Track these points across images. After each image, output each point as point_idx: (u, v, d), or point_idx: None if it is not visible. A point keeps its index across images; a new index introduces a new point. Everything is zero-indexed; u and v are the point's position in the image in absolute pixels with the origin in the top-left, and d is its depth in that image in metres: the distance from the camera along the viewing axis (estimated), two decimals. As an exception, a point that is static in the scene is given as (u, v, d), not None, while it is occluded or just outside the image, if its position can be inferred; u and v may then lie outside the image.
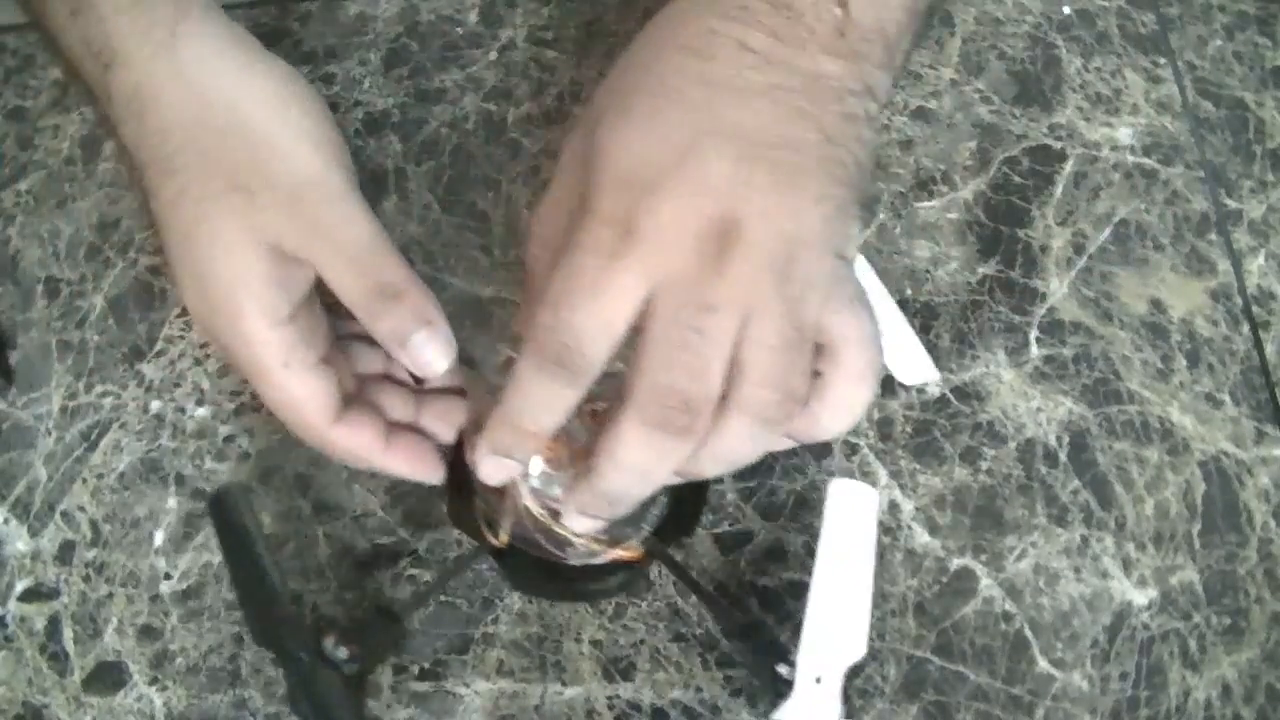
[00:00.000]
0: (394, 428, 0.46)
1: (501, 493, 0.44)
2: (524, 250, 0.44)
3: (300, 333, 0.44)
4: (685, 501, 0.46)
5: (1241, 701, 0.46)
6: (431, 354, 0.44)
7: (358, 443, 0.45)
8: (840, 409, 0.41)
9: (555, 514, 0.44)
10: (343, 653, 0.42)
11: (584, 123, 0.41)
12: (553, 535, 0.44)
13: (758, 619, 0.43)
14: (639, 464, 0.39)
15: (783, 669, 0.41)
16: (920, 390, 0.51)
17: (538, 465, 0.44)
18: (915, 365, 0.50)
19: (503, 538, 0.45)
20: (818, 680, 0.41)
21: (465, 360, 0.47)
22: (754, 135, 0.38)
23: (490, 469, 0.41)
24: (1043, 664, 0.46)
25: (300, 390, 0.44)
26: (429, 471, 0.46)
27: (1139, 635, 0.47)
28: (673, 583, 0.48)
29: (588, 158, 0.40)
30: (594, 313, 0.38)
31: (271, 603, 0.42)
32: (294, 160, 0.44)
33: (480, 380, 0.49)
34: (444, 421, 0.48)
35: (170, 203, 0.44)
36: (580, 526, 0.42)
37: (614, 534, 0.45)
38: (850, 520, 0.42)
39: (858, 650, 0.41)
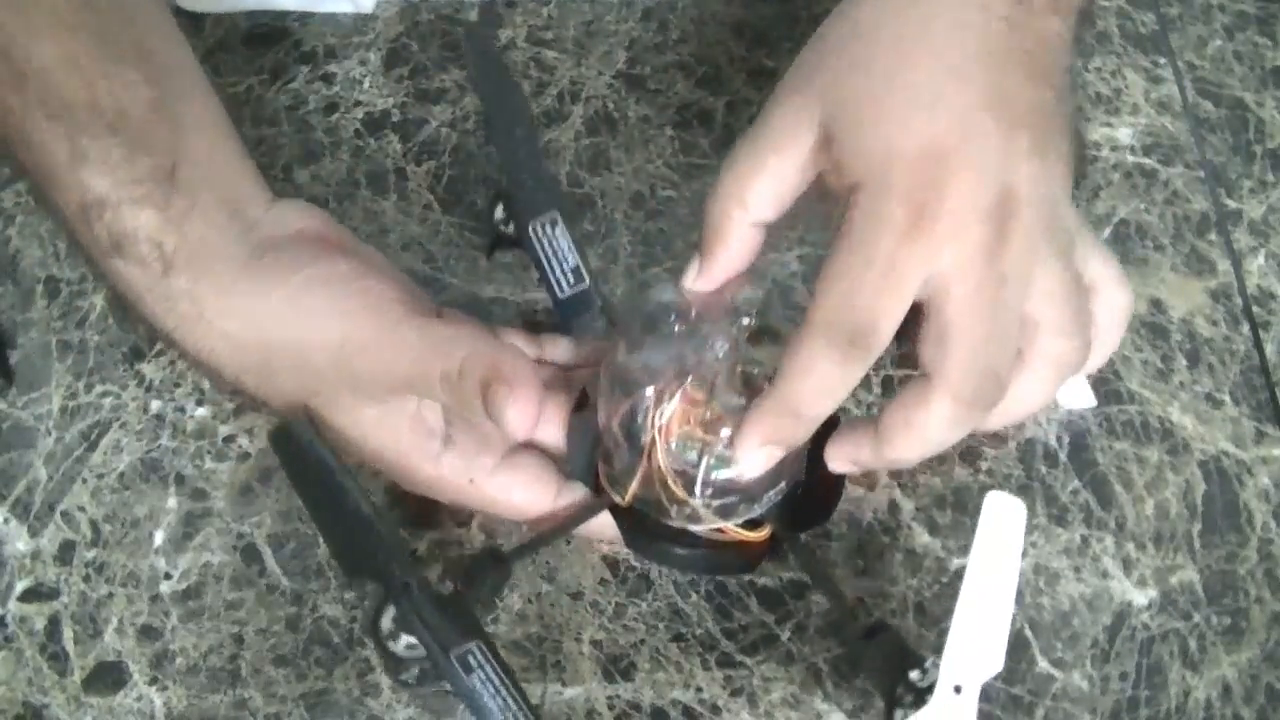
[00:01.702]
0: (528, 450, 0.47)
1: (633, 451, 0.44)
2: (709, 204, 0.43)
3: (466, 447, 0.45)
4: (821, 486, 0.46)
5: (1241, 701, 0.46)
6: (511, 414, 0.42)
7: (575, 500, 0.46)
8: (1108, 341, 0.46)
9: (689, 482, 0.43)
10: (447, 587, 0.41)
11: (812, 92, 0.41)
12: (682, 504, 0.44)
13: (881, 621, 0.43)
14: (944, 439, 0.41)
15: (915, 675, 0.40)
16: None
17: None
18: (1075, 389, 0.51)
19: (627, 497, 0.45)
20: (957, 690, 0.40)
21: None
22: (1015, 103, 0.40)
23: (758, 460, 0.42)
24: (1043, 664, 0.46)
25: (497, 493, 0.46)
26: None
27: (1139, 635, 0.47)
28: (673, 583, 0.48)
29: (841, 130, 0.40)
30: (889, 292, 0.39)
31: (368, 527, 0.41)
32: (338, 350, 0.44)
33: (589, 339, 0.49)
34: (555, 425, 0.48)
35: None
36: (754, 467, 0.42)
37: (730, 507, 0.44)
38: (1001, 533, 0.41)
39: (996, 663, 0.40)
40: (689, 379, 0.43)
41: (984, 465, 0.50)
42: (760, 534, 0.45)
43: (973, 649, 0.40)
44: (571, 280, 0.48)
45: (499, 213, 0.48)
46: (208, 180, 0.45)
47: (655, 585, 0.48)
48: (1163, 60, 0.59)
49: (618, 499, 0.45)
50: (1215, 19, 0.61)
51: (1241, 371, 0.52)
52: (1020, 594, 0.47)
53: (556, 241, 0.48)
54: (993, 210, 0.39)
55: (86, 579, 0.48)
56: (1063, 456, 0.50)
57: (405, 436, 0.45)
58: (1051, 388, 0.43)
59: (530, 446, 0.47)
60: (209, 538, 0.49)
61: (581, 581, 0.48)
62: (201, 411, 0.52)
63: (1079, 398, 0.51)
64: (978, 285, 0.39)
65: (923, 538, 0.49)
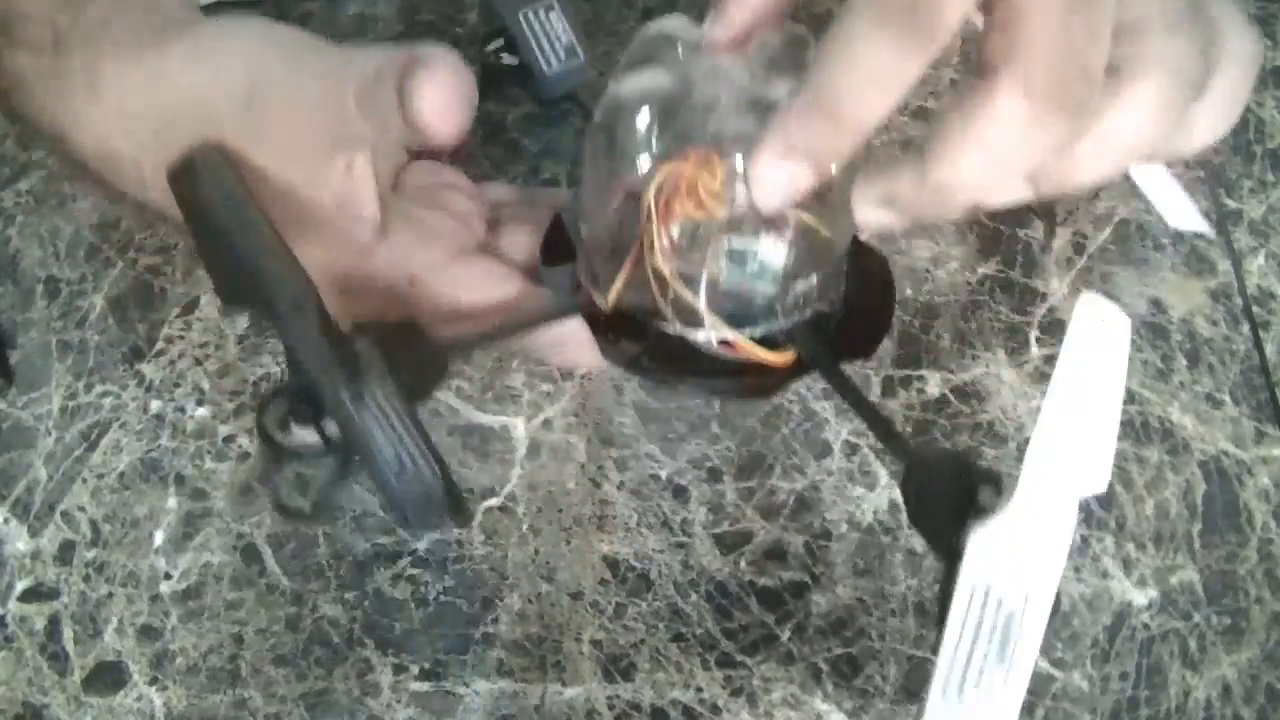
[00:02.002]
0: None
1: (622, 240, 0.36)
2: None
3: (406, 243, 0.40)
4: (864, 313, 0.38)
5: (1241, 701, 0.46)
6: (429, 95, 0.34)
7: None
8: (1223, 101, 0.35)
9: (691, 278, 0.35)
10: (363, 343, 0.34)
11: None
12: (686, 312, 0.36)
13: (935, 442, 0.36)
14: (1009, 147, 0.31)
15: (986, 494, 0.32)
16: (920, 390, 0.51)
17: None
18: (1184, 209, 0.43)
19: (611, 298, 0.37)
20: (1045, 496, 0.31)
21: None
22: None
23: (778, 182, 0.32)
24: (1043, 664, 0.46)
25: (443, 293, 0.39)
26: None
27: (1139, 635, 0.47)
28: (673, 583, 0.48)
29: None
30: None
31: (268, 251, 0.34)
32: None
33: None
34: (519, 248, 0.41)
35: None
36: (771, 191, 0.32)
37: (742, 315, 0.36)
38: (1098, 344, 0.33)
39: (1099, 481, 0.32)
40: (683, 123, 0.35)
41: (983, 465, 0.50)
42: (781, 356, 0.37)
43: (1062, 457, 0.32)
44: (563, 56, 0.44)
45: (493, 44, 0.43)
46: None
47: (655, 585, 0.48)
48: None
49: (600, 301, 0.37)
50: (1215, 19, 0.61)
51: (1241, 371, 0.52)
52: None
53: (550, 25, 0.44)
54: None
55: (86, 579, 0.48)
56: (1063, 456, 0.50)
57: (328, 220, 0.39)
58: (1168, 109, 0.33)
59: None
60: (209, 538, 0.49)
61: (581, 581, 0.48)
62: (201, 411, 0.52)
63: (1192, 220, 0.42)
64: None
65: (923, 538, 0.49)
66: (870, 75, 0.30)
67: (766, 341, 0.37)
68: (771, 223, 0.36)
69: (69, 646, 0.47)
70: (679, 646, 0.47)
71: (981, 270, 0.54)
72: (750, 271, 0.36)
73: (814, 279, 0.37)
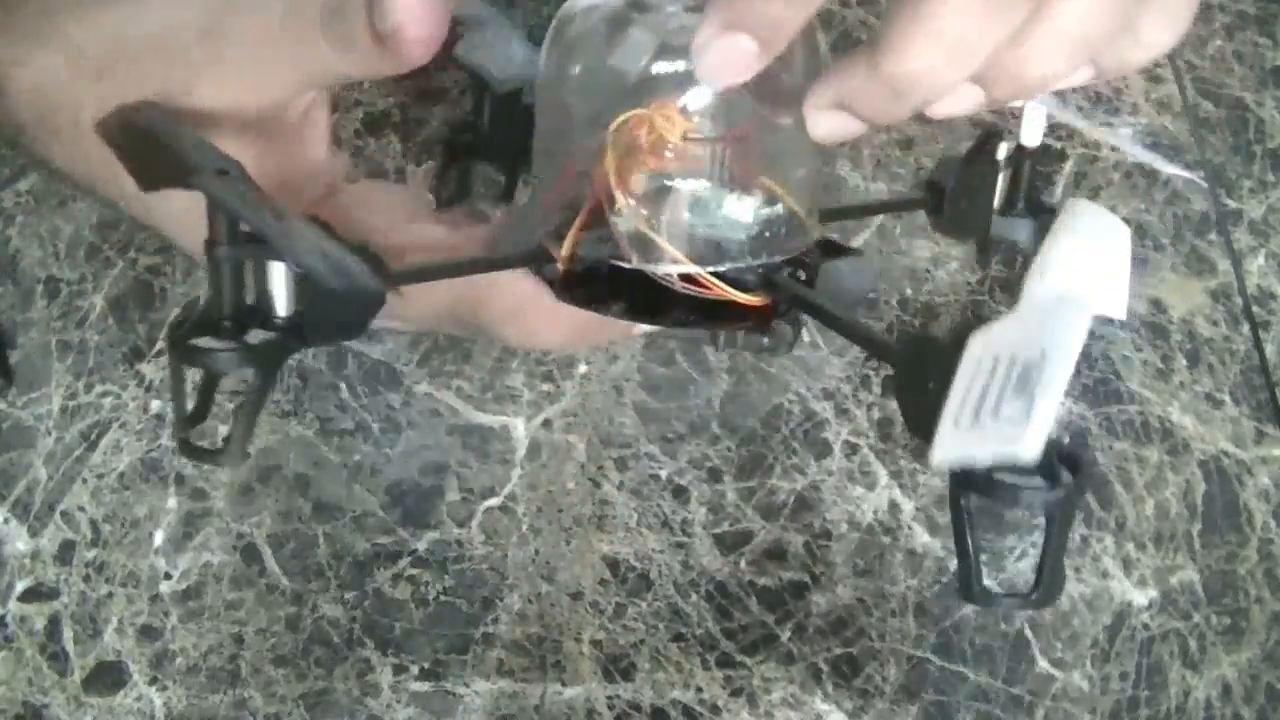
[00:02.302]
0: None
1: (579, 202, 0.35)
2: None
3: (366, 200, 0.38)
4: (850, 269, 0.37)
5: (1241, 701, 0.46)
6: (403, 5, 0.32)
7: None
8: (1171, 5, 0.33)
9: (654, 213, 0.34)
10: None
11: None
12: (650, 252, 0.34)
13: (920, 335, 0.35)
14: (962, 31, 0.29)
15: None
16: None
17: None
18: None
19: (566, 247, 0.35)
20: (1058, 298, 0.28)
21: None
22: None
23: (722, 52, 0.30)
24: (1043, 664, 0.46)
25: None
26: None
27: (1139, 635, 0.47)
28: (673, 583, 0.48)
29: None
30: None
31: (169, 132, 0.32)
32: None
33: None
34: None
35: None
36: (714, 63, 0.30)
37: (709, 248, 0.35)
38: (1098, 226, 0.30)
39: (1118, 306, 0.30)
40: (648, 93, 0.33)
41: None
42: (753, 298, 0.36)
43: (1079, 264, 0.29)
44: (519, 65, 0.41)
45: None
46: None
47: (655, 585, 0.48)
48: (1162, 60, 0.59)
49: (555, 252, 0.35)
50: (1215, 19, 0.61)
51: (1241, 371, 0.52)
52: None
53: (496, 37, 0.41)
54: None
55: (86, 579, 0.48)
56: (1063, 456, 0.50)
57: (278, 169, 0.37)
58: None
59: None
60: (209, 538, 0.49)
61: (581, 581, 0.48)
62: (201, 411, 0.52)
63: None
64: None
65: (923, 538, 0.49)
66: None
67: (736, 285, 0.35)
68: (733, 167, 0.35)
69: (69, 646, 0.47)
70: (679, 646, 0.47)
71: (981, 270, 0.54)
72: (714, 216, 0.35)
73: (781, 219, 0.36)
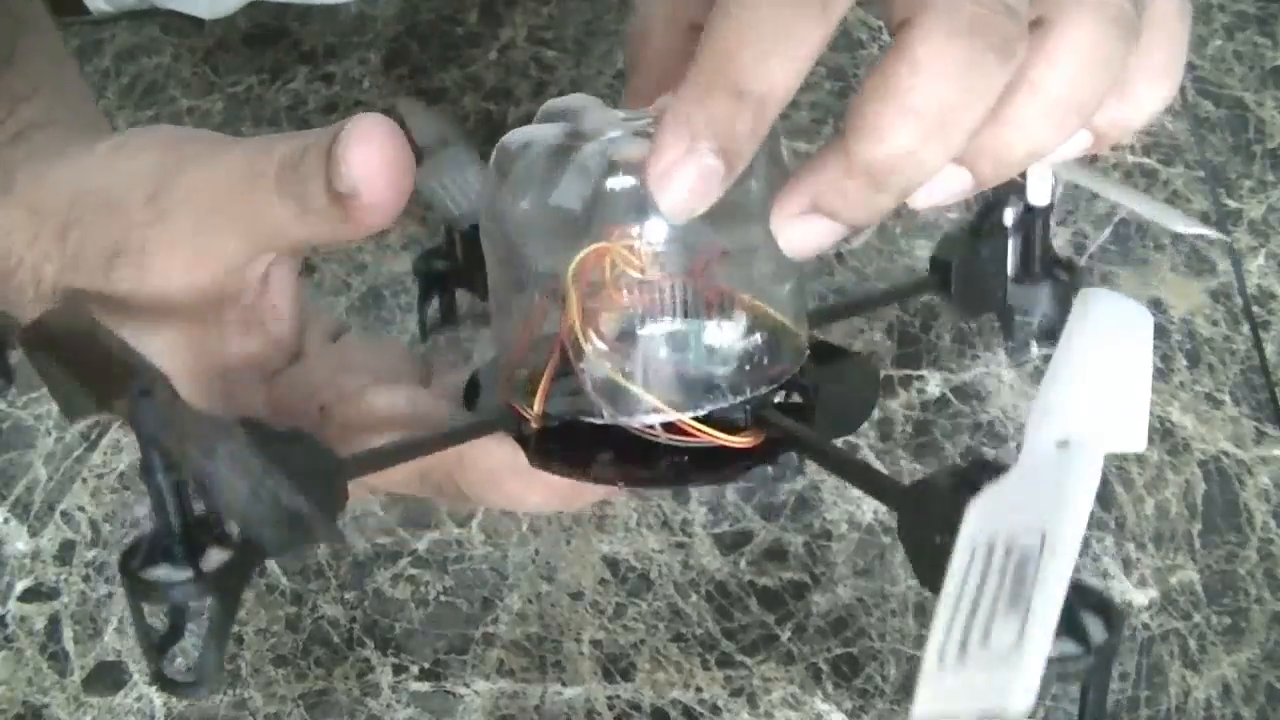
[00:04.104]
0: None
1: (539, 355, 0.32)
2: (636, 11, 0.33)
3: (322, 364, 0.37)
4: (843, 385, 0.35)
5: (1241, 701, 0.46)
6: (357, 157, 0.31)
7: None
8: (1161, 62, 0.31)
9: (622, 360, 0.31)
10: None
11: None
12: (626, 403, 0.32)
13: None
14: (941, 100, 0.26)
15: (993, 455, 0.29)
16: (920, 390, 0.51)
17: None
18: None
19: (537, 405, 0.32)
20: (1062, 444, 0.25)
21: None
22: None
23: (684, 180, 0.27)
24: (1043, 664, 0.46)
25: (354, 420, 0.34)
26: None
27: (1139, 635, 0.47)
28: (673, 583, 0.48)
29: None
30: None
31: (87, 344, 0.29)
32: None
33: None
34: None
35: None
36: (677, 193, 0.27)
37: (692, 401, 0.32)
38: (1112, 335, 0.27)
39: (1137, 438, 0.26)
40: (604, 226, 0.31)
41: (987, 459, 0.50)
42: (742, 438, 0.33)
43: (1087, 397, 0.26)
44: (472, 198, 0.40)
45: None
46: (55, 87, 0.40)
47: (655, 585, 0.48)
48: (1163, 60, 0.59)
49: (526, 412, 0.33)
50: (1215, 19, 0.61)
51: (1241, 371, 0.52)
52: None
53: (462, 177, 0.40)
54: None
55: (86, 579, 0.48)
56: (1063, 456, 0.50)
57: (236, 335, 0.36)
58: (1104, 57, 0.29)
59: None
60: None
61: (581, 581, 0.48)
62: (201, 411, 0.52)
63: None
64: None
65: (923, 538, 0.49)
66: (768, 43, 0.26)
67: (724, 425, 0.33)
68: (707, 293, 0.32)
69: (69, 646, 0.47)
70: (679, 646, 0.47)
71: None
72: (695, 350, 0.32)
73: (769, 341, 0.33)
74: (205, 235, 0.34)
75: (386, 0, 0.61)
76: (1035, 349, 0.52)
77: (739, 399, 0.33)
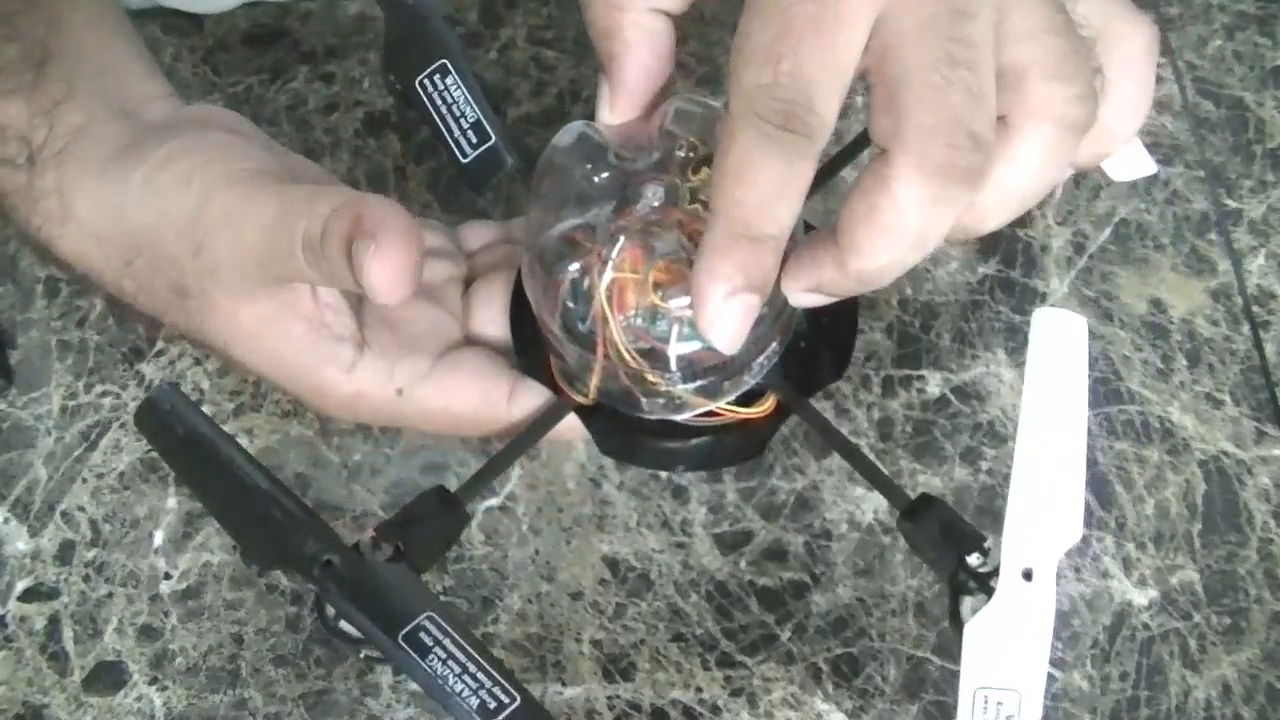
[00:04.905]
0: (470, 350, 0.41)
1: (584, 339, 0.37)
2: (588, 3, 0.37)
3: (387, 349, 0.40)
4: (828, 333, 0.40)
5: (1241, 701, 0.46)
6: (374, 274, 0.34)
7: (532, 404, 0.39)
8: (1130, 99, 0.36)
9: (660, 367, 0.36)
10: (384, 553, 0.35)
11: None
12: (656, 393, 0.37)
13: (926, 494, 0.36)
14: (920, 230, 0.31)
15: (974, 559, 0.34)
16: (920, 390, 0.51)
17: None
18: (1127, 158, 0.42)
19: (591, 395, 0.38)
20: (1027, 576, 0.32)
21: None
22: None
23: (733, 322, 0.32)
24: (1043, 664, 0.46)
25: (433, 402, 0.40)
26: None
27: (1139, 635, 0.47)
28: (673, 583, 0.48)
29: None
30: (822, 56, 0.31)
31: (268, 503, 0.33)
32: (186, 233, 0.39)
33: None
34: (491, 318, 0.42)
35: (178, 315, 0.41)
36: (731, 332, 0.33)
37: (715, 385, 0.37)
38: (1059, 360, 0.33)
39: (1073, 532, 0.33)
40: (621, 238, 0.35)
41: (984, 465, 0.50)
42: (763, 407, 0.38)
43: (1040, 520, 0.32)
44: (474, 139, 0.40)
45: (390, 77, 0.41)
46: (87, 72, 0.42)
47: (655, 585, 0.48)
48: (1163, 60, 0.59)
49: (580, 399, 0.38)
50: (1215, 19, 0.61)
51: (1241, 371, 0.52)
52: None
53: (449, 94, 0.40)
54: None
55: (86, 579, 0.48)
56: (1063, 456, 0.50)
57: (304, 341, 0.39)
58: (1059, 156, 0.33)
59: (475, 344, 0.42)
60: (209, 537, 0.49)
61: (581, 581, 0.48)
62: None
63: (1134, 166, 0.42)
64: (928, 19, 0.31)
65: (923, 538, 0.49)
66: (770, 190, 0.31)
67: (744, 397, 0.38)
68: None
69: (69, 646, 0.47)
70: (679, 646, 0.47)
71: (981, 270, 0.54)
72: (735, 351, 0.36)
73: (775, 328, 0.37)
74: (252, 281, 0.38)
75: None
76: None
77: (759, 374, 0.37)
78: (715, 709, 0.45)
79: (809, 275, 0.34)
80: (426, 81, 0.39)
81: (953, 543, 0.34)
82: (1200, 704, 0.45)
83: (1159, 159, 0.57)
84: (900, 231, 0.31)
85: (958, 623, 0.33)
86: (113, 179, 0.39)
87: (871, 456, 0.50)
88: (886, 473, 0.39)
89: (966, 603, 0.33)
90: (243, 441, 0.51)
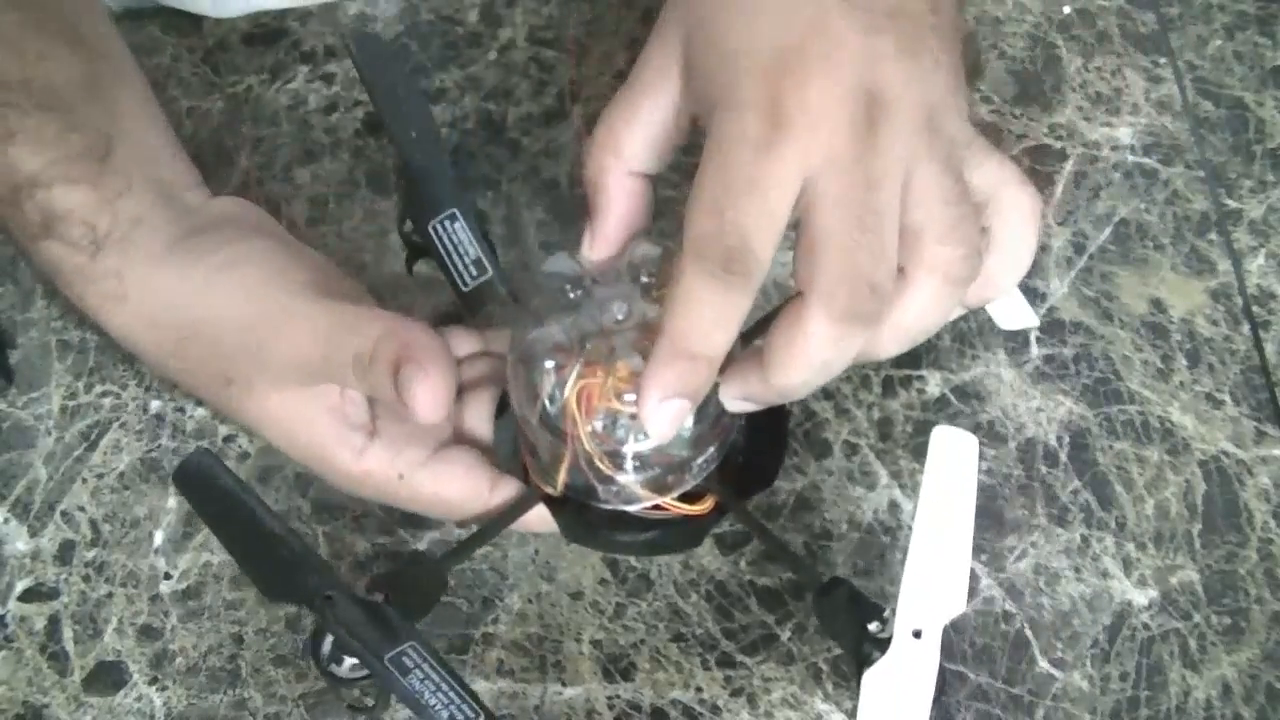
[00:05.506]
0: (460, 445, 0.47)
1: (554, 436, 0.43)
2: (585, 161, 0.43)
3: (394, 440, 0.45)
4: (762, 448, 0.46)
5: (1241, 701, 0.46)
6: (421, 396, 0.41)
7: (510, 493, 0.45)
8: (1013, 256, 0.42)
9: (617, 461, 0.42)
10: (378, 599, 0.40)
11: (674, 24, 0.41)
12: (611, 484, 0.43)
13: (836, 577, 0.42)
14: (826, 359, 0.38)
15: (874, 626, 0.40)
16: (920, 390, 0.51)
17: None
18: (1010, 309, 0.48)
19: (559, 487, 0.44)
20: (916, 635, 0.39)
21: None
22: (873, 6, 0.38)
23: (665, 417, 0.39)
24: (1043, 664, 0.46)
25: (427, 489, 0.45)
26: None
27: (1139, 635, 0.47)
28: (673, 583, 0.48)
29: (696, 54, 0.40)
30: (755, 208, 0.37)
31: (280, 545, 0.39)
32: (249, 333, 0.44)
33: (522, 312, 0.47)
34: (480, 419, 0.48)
35: (216, 397, 0.46)
36: (663, 427, 0.39)
37: (661, 480, 0.43)
38: (952, 468, 0.40)
39: (958, 604, 0.39)
40: (586, 349, 0.42)
41: (983, 465, 0.50)
42: (702, 506, 0.45)
43: (930, 591, 0.39)
44: (474, 273, 0.47)
45: (407, 225, 0.48)
46: (142, 163, 0.46)
47: (655, 585, 0.48)
48: (1163, 60, 0.59)
49: (549, 490, 0.44)
50: (1215, 19, 0.61)
51: (1241, 371, 0.52)
52: (1020, 594, 0.47)
53: (456, 236, 0.47)
54: (857, 113, 0.37)
55: (86, 579, 0.48)
56: (1063, 456, 0.50)
57: (326, 427, 0.44)
58: (945, 303, 0.40)
59: (464, 442, 0.47)
60: (209, 537, 0.49)
61: (581, 581, 0.48)
62: (201, 411, 0.52)
63: (1016, 317, 0.48)
64: (844, 189, 0.37)
65: (923, 538, 0.49)
66: (710, 319, 0.37)
67: (688, 497, 0.44)
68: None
69: (69, 646, 0.47)
70: (679, 646, 0.47)
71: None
72: (671, 447, 0.42)
73: (713, 432, 0.43)
74: (300, 378, 0.44)
75: (387, 0, 0.61)
76: (1035, 349, 0.52)
77: (702, 476, 0.44)
78: (715, 709, 0.45)
79: (740, 386, 0.40)
80: (438, 225, 0.47)
81: (857, 615, 0.40)
82: (1200, 704, 0.45)
83: (1159, 159, 0.57)
84: (810, 358, 0.38)
85: (860, 683, 0.39)
86: (170, 271, 0.44)
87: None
88: (799, 555, 0.46)
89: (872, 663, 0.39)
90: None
